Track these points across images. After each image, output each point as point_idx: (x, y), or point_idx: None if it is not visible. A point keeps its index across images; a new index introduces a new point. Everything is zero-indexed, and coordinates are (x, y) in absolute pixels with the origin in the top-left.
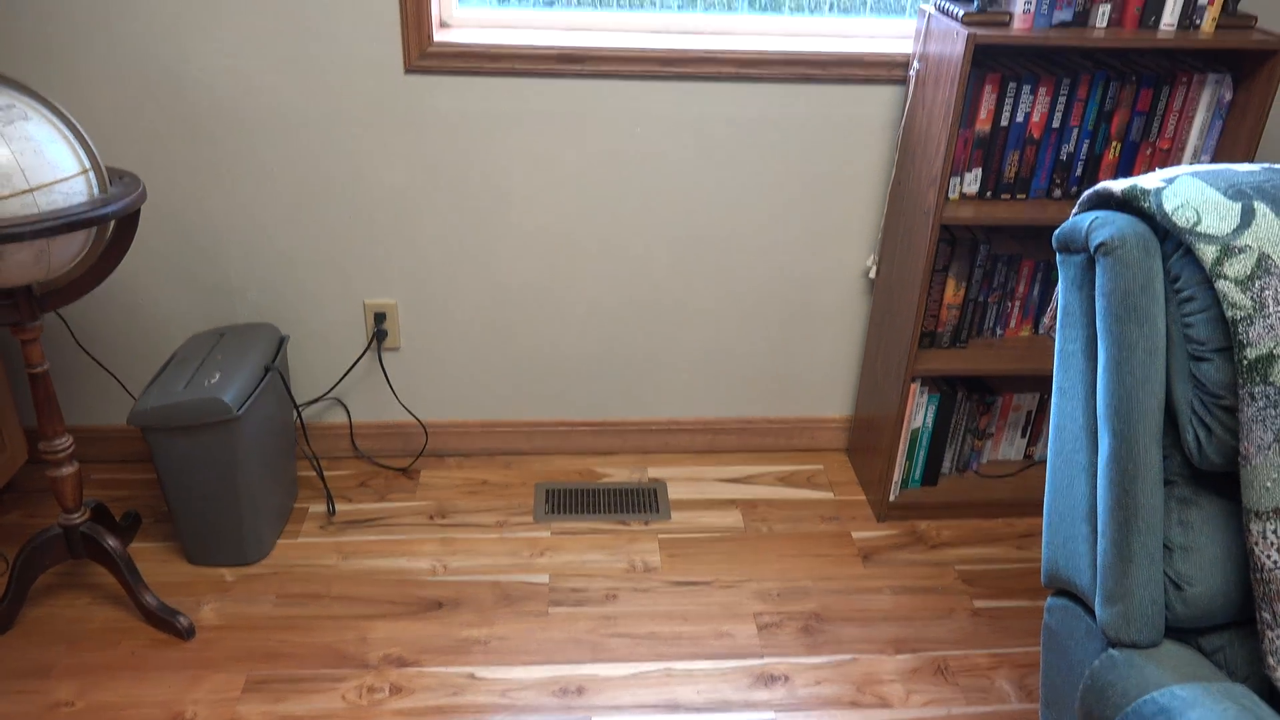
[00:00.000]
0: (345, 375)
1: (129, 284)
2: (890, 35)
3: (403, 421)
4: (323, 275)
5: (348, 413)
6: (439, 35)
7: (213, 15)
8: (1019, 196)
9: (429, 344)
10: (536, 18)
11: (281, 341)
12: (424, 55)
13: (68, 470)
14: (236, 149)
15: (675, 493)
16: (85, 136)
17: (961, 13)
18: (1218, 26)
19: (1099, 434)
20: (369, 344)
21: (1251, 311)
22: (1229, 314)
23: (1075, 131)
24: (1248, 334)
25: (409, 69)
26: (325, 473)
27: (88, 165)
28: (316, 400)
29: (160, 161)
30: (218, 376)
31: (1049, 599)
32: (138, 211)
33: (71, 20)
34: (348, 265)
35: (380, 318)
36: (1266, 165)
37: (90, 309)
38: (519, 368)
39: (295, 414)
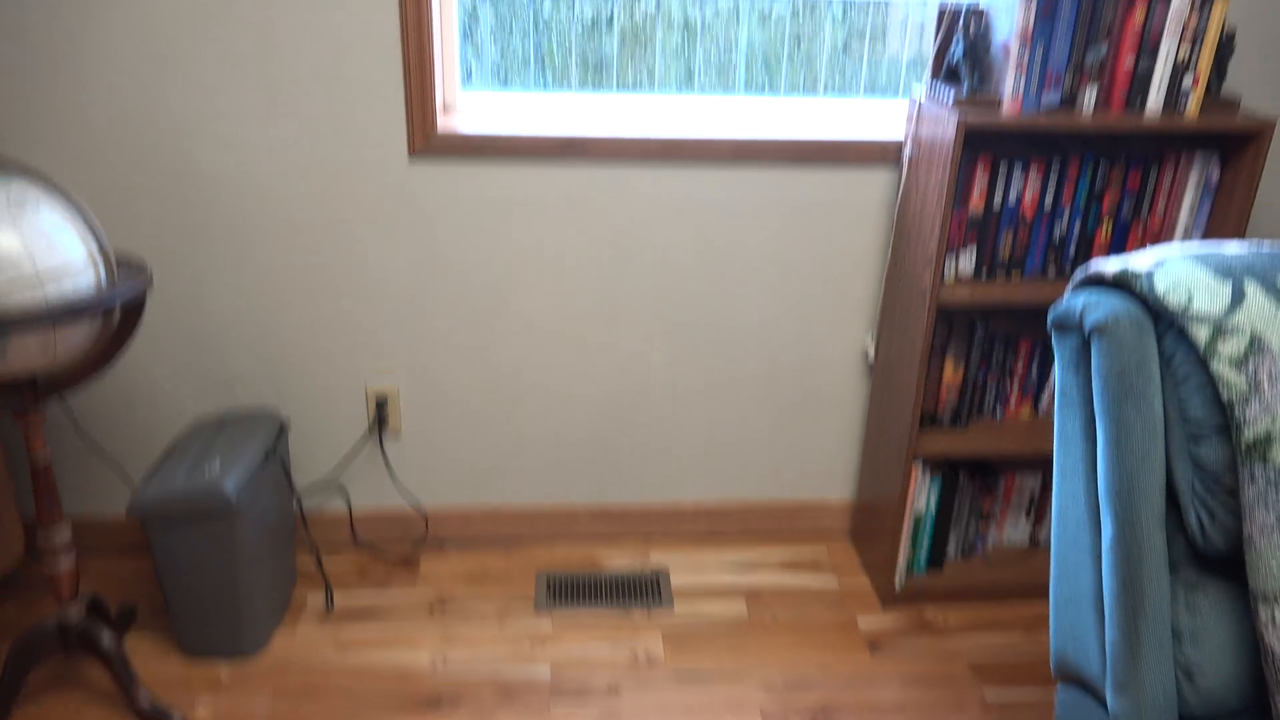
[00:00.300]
0: (346, 463)
1: (131, 370)
2: (883, 117)
3: (403, 509)
4: (325, 361)
5: (348, 500)
6: (443, 120)
7: (222, 106)
8: (1014, 276)
9: (430, 429)
10: (538, 100)
11: (282, 428)
12: (428, 142)
13: (65, 563)
14: (241, 235)
15: (678, 580)
16: (95, 225)
17: (952, 97)
18: (1202, 109)
19: (1101, 517)
20: (370, 430)
21: (1247, 391)
22: (1225, 394)
23: (1067, 211)
24: (1244, 414)
25: (413, 155)
26: (324, 562)
27: (97, 253)
28: (317, 489)
29: (166, 247)
30: (218, 464)
31: (1059, 688)
32: (144, 299)
33: (86, 113)
34: (350, 351)
35: (381, 403)
36: (1254, 245)
37: (92, 395)
38: (520, 452)
39: (295, 502)
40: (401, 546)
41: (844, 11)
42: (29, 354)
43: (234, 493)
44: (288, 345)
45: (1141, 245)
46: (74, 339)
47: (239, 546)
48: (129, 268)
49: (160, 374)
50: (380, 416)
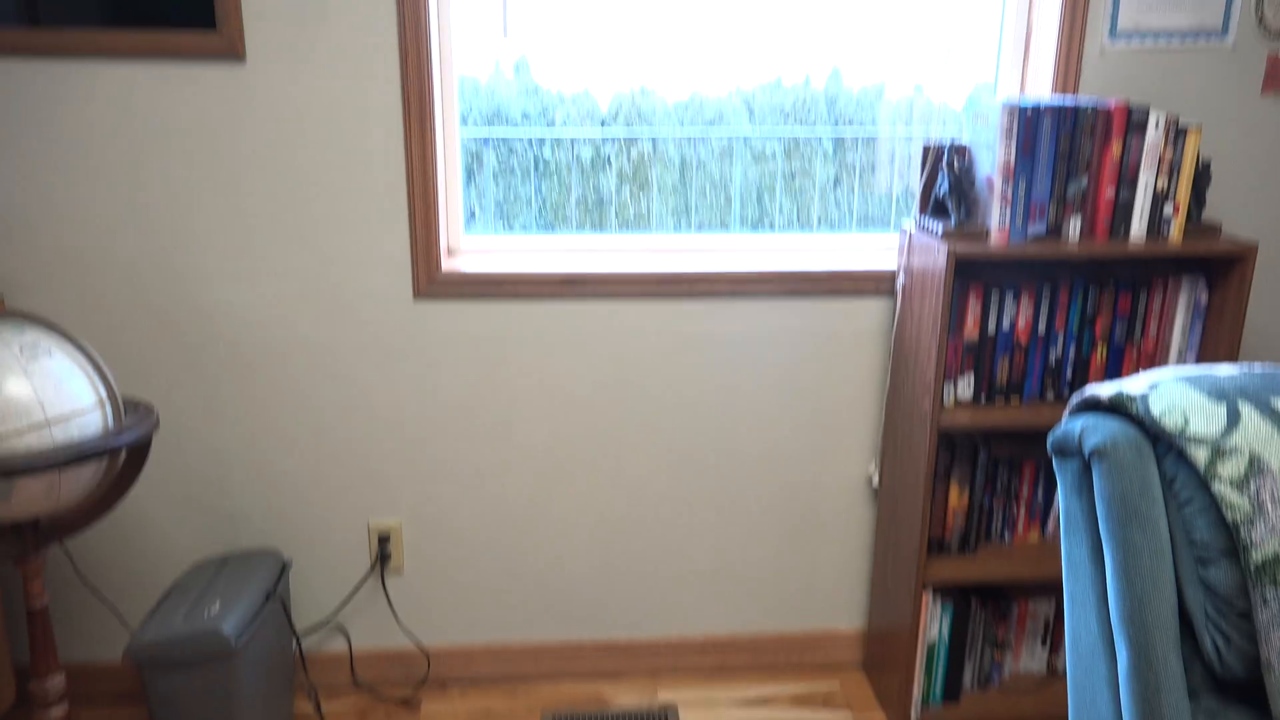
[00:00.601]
0: (347, 601)
1: (133, 510)
2: (876, 249)
3: (405, 648)
4: (327, 498)
5: (348, 640)
6: (447, 263)
7: (229, 249)
8: (1013, 400)
9: (433, 565)
10: (539, 242)
11: (283, 568)
12: (432, 282)
13: (57, 712)
14: (245, 376)
15: (688, 717)
16: (104, 368)
17: (940, 229)
18: (1185, 234)
19: (1116, 645)
20: (372, 567)
21: (1251, 513)
22: (1229, 516)
23: (1061, 336)
24: (1250, 536)
25: (417, 296)
26: (323, 705)
27: (104, 396)
28: (317, 628)
29: (171, 387)
30: (218, 606)
31: None
32: (150, 441)
33: (96, 260)
34: (353, 487)
35: (384, 540)
36: (1245, 367)
37: (91, 536)
38: (524, 587)
39: (295, 643)
40: (402, 688)
41: (834, 148)
42: (34, 497)
43: (233, 635)
44: (290, 483)
45: (1137, 368)
46: (79, 481)
47: (237, 690)
48: (136, 410)
49: (162, 514)
50: (382, 553)
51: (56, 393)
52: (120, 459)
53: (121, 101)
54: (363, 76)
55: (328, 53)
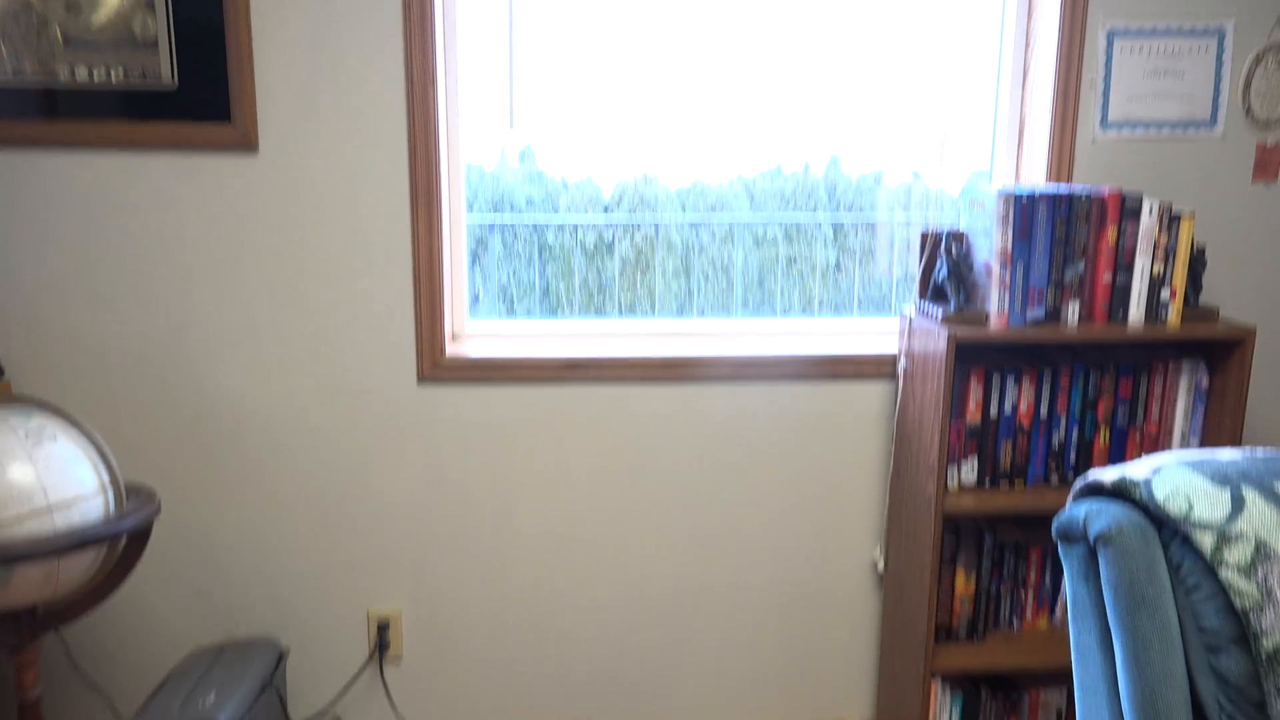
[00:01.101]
0: (345, 691)
1: (130, 595)
2: (877, 333)
3: None
4: (327, 585)
5: None
6: (451, 347)
7: (235, 335)
8: (1017, 484)
9: (433, 654)
10: (542, 326)
11: (280, 658)
12: (436, 367)
13: None
14: (248, 460)
15: None
16: (107, 453)
17: (940, 314)
18: (1183, 318)
19: None
20: (370, 656)
21: (1260, 600)
22: (1238, 603)
23: (1064, 419)
24: (1260, 623)
25: (421, 380)
26: None
27: (107, 481)
28: (314, 719)
29: (171, 469)
30: (213, 697)
31: None
32: (150, 527)
33: (102, 344)
34: (353, 574)
35: (383, 628)
36: (1248, 451)
37: (86, 622)
38: (526, 676)
39: None
40: None
41: (834, 233)
42: (32, 584)
43: None
44: (290, 569)
45: (1141, 451)
46: (78, 567)
47: None
48: (138, 494)
49: (160, 600)
50: (381, 641)
51: (60, 478)
52: (120, 545)
53: (134, 190)
54: (372, 166)
55: (338, 143)
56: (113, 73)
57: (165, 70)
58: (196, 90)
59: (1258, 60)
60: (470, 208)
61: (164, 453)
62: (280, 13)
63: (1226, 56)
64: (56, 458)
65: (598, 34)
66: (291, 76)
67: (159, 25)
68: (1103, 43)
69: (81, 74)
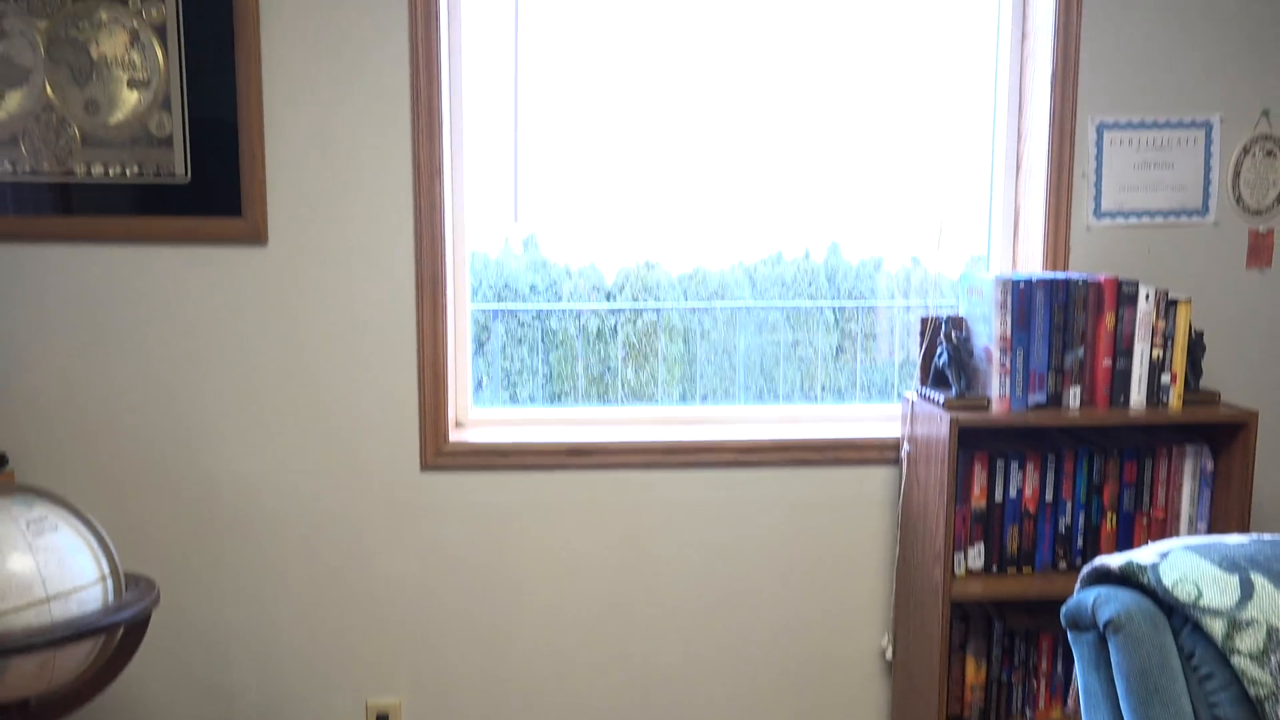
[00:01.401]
0: None
1: (128, 684)
2: (879, 418)
3: None
4: (326, 674)
5: None
6: (454, 434)
7: (241, 421)
8: (1025, 570)
9: None
10: (546, 414)
11: None
12: (440, 454)
13: None
14: (249, 546)
15: None
16: (108, 543)
17: (942, 399)
18: (1184, 402)
19: None
20: None
21: (1275, 689)
22: (1253, 692)
23: (1069, 504)
24: (1275, 713)
25: (425, 467)
26: None
27: (106, 572)
28: None
29: (171, 556)
30: None
31: None
32: (149, 617)
33: (105, 432)
34: (352, 663)
35: (383, 718)
36: (1255, 536)
37: (83, 714)
38: None
39: None
40: None
41: (835, 318)
42: (26, 677)
43: None
44: (289, 657)
45: (1148, 536)
46: (74, 659)
47: None
48: (137, 584)
49: (156, 688)
50: None
51: (60, 568)
52: (118, 635)
53: (142, 281)
54: (379, 256)
55: (346, 234)
56: (127, 169)
57: (179, 166)
58: (208, 184)
59: (1245, 151)
60: (474, 295)
61: (167, 539)
62: (293, 110)
63: (1215, 148)
64: (57, 548)
65: (601, 124)
66: (302, 170)
67: (175, 124)
68: (1093, 135)
69: (97, 170)
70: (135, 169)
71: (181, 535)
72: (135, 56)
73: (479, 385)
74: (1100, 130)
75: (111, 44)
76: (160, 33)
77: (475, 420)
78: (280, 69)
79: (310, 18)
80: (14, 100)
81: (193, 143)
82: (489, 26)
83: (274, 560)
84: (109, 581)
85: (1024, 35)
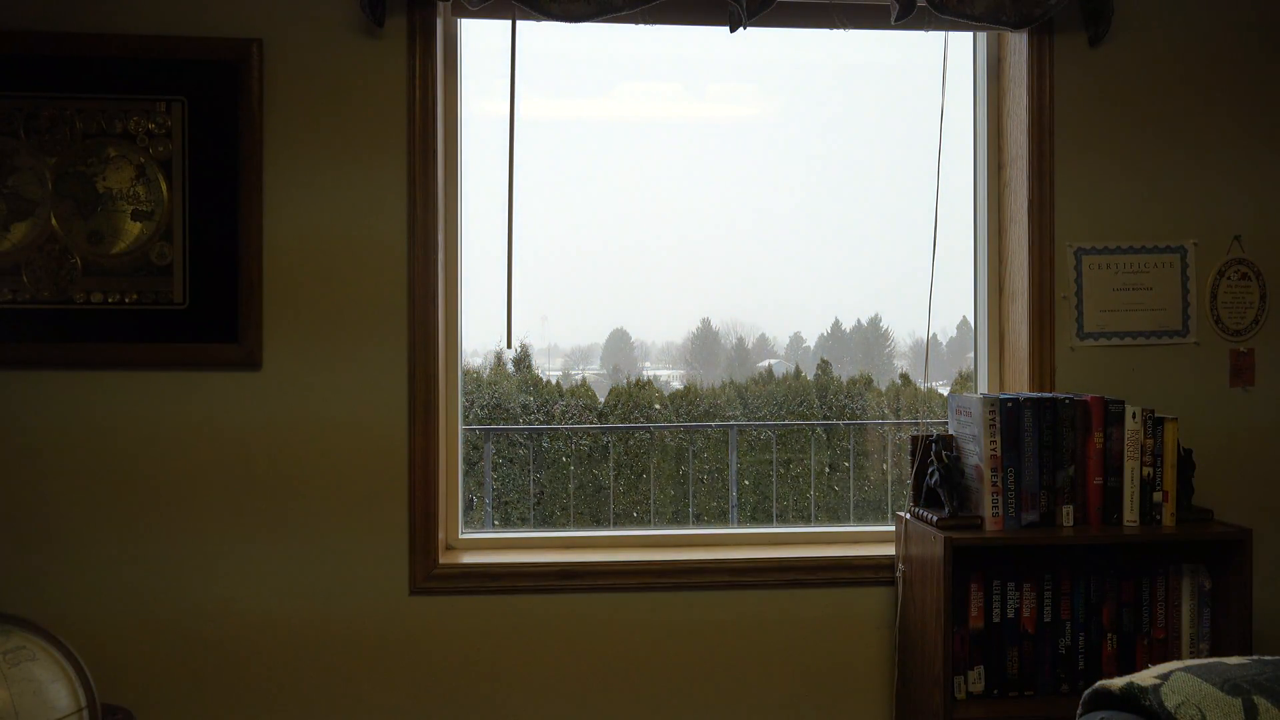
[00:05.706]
0: None
1: None
2: (874, 538)
3: None
4: None
5: None
6: (444, 558)
7: (228, 546)
8: (1027, 694)
9: None
10: (537, 538)
11: None
12: (429, 578)
13: None
14: (233, 677)
15: None
16: (87, 674)
17: (935, 518)
18: (1177, 520)
19: None
20: None
21: None
22: None
23: (1069, 625)
24: None
25: (413, 591)
26: None
27: (84, 703)
28: None
29: (151, 686)
30: None
31: None
32: None
33: (84, 562)
34: None
35: None
36: (1256, 657)
37: None
38: None
39: None
40: None
41: (828, 437)
42: None
43: None
44: None
45: (1150, 658)
46: None
47: None
48: (114, 716)
49: None
50: None
51: (35, 699)
52: None
53: (135, 405)
54: (372, 381)
55: (340, 359)
56: (126, 296)
57: (178, 293)
58: (205, 311)
59: (1220, 275)
60: (466, 415)
61: (148, 666)
62: (292, 240)
63: (1191, 271)
64: (34, 678)
65: (592, 250)
66: (299, 298)
67: (175, 253)
68: (1072, 260)
69: (96, 297)
70: (134, 296)
71: (162, 663)
72: (140, 189)
73: (469, 505)
74: (1079, 255)
75: (118, 178)
76: (165, 167)
77: (465, 543)
78: (281, 201)
79: (312, 155)
80: (19, 231)
81: (192, 270)
82: (484, 159)
83: (257, 690)
84: (85, 713)
85: (1000, 165)
